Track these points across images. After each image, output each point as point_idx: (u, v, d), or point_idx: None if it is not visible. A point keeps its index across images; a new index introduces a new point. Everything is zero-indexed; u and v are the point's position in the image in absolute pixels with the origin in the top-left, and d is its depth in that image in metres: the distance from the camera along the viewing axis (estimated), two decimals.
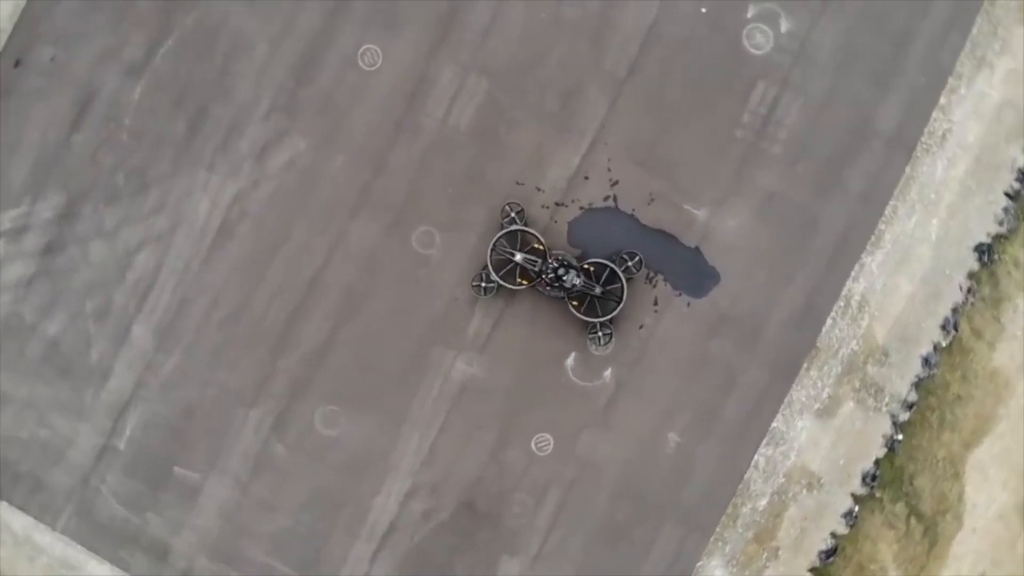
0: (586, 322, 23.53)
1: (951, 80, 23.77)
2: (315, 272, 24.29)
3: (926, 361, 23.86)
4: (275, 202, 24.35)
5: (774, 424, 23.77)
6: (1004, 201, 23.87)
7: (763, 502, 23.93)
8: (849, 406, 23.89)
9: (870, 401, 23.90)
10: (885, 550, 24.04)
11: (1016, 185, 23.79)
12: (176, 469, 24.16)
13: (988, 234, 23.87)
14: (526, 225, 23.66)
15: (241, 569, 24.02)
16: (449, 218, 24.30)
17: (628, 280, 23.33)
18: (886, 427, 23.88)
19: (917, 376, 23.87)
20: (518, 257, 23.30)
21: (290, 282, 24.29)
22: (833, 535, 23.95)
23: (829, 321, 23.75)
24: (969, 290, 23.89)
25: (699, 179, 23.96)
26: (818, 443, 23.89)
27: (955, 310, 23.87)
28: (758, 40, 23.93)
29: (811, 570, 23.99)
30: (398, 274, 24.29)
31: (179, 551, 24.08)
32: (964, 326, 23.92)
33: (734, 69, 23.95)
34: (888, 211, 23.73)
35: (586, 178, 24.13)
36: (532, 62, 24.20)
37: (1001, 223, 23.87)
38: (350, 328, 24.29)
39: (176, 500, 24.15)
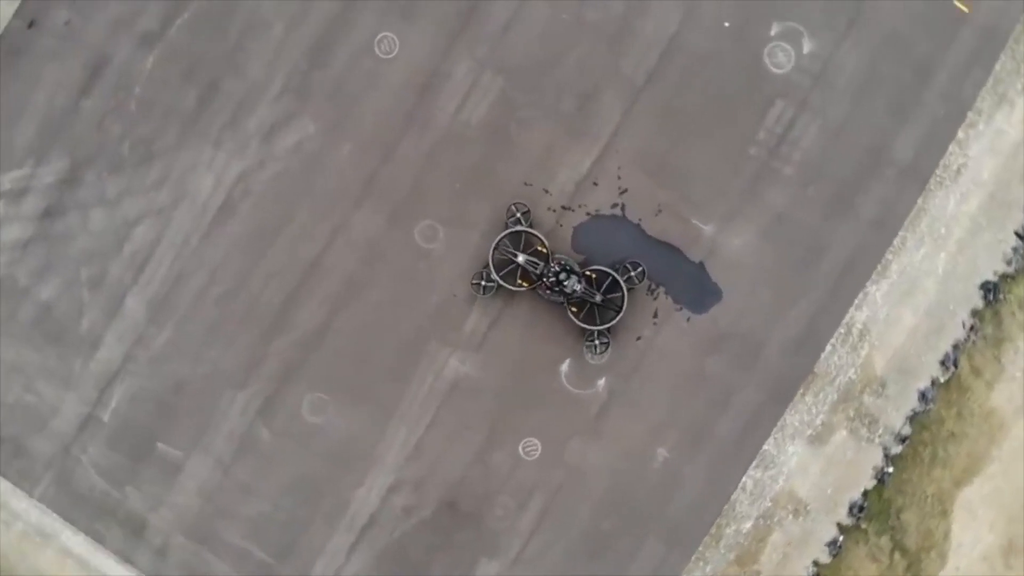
0: (584, 329, 23.29)
1: (970, 114, 23.55)
2: (315, 257, 24.06)
3: (923, 396, 23.62)
4: (280, 183, 24.13)
5: (765, 447, 23.54)
6: (1014, 240, 23.64)
7: (748, 525, 23.70)
8: (842, 435, 23.65)
9: (863, 431, 23.66)
10: None
11: None
12: (159, 445, 23.94)
13: (995, 272, 23.64)
14: (531, 226, 23.40)
15: (217, 551, 23.79)
16: (454, 214, 24.07)
17: (629, 290, 23.09)
18: (877, 459, 23.65)
19: (913, 410, 23.65)
20: (520, 258, 23.07)
21: (289, 265, 24.06)
22: (815, 563, 23.70)
23: (829, 347, 23.52)
24: (972, 328, 23.66)
25: (709, 194, 23.72)
26: (808, 469, 23.65)
27: (956, 346, 23.64)
28: (779, 59, 23.68)
29: None
30: (398, 266, 24.06)
31: (156, 528, 23.85)
32: (964, 363, 23.68)
33: (753, 86, 23.71)
34: (897, 241, 23.50)
35: (595, 184, 23.89)
36: (550, 62, 23.97)
37: (1009, 262, 23.63)
38: (346, 316, 24.06)
39: (157, 476, 23.93)
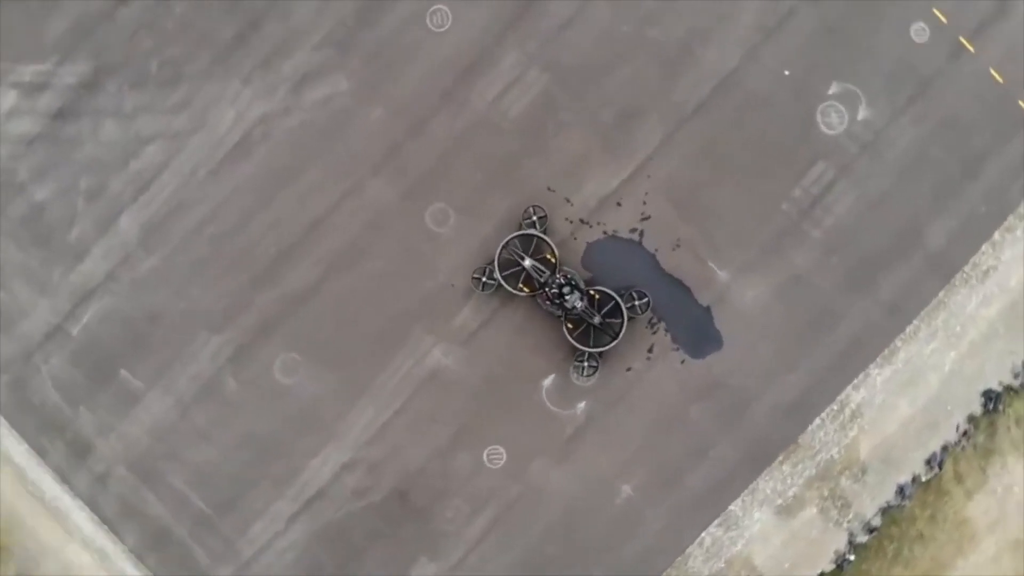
0: (576, 348, 22.63)
1: (1011, 218, 22.95)
2: (320, 216, 23.38)
3: (901, 490, 23.00)
4: (300, 134, 23.41)
5: (732, 507, 22.87)
6: None
7: None
8: (811, 512, 22.99)
9: (833, 513, 23.01)
10: None
11: None
12: (122, 372, 23.24)
13: (1001, 383, 23.04)
14: (545, 233, 22.73)
15: (157, 490, 23.11)
16: (469, 202, 23.39)
17: (630, 319, 22.43)
18: (841, 544, 23.01)
19: (887, 502, 23.03)
20: (527, 262, 22.42)
21: (292, 218, 23.37)
22: None
23: (818, 421, 22.89)
24: (965, 433, 23.06)
25: (731, 239, 23.07)
26: (769, 539, 22.98)
27: (945, 448, 23.04)
28: (832, 119, 23.01)
29: None
30: (402, 243, 23.37)
31: (100, 454, 23.16)
32: (949, 467, 23.07)
33: (799, 140, 23.08)
34: (909, 329, 22.89)
35: (619, 204, 23.22)
36: (600, 71, 23.31)
37: (1017, 376, 23.05)
38: (337, 282, 23.36)
39: (112, 403, 23.23)
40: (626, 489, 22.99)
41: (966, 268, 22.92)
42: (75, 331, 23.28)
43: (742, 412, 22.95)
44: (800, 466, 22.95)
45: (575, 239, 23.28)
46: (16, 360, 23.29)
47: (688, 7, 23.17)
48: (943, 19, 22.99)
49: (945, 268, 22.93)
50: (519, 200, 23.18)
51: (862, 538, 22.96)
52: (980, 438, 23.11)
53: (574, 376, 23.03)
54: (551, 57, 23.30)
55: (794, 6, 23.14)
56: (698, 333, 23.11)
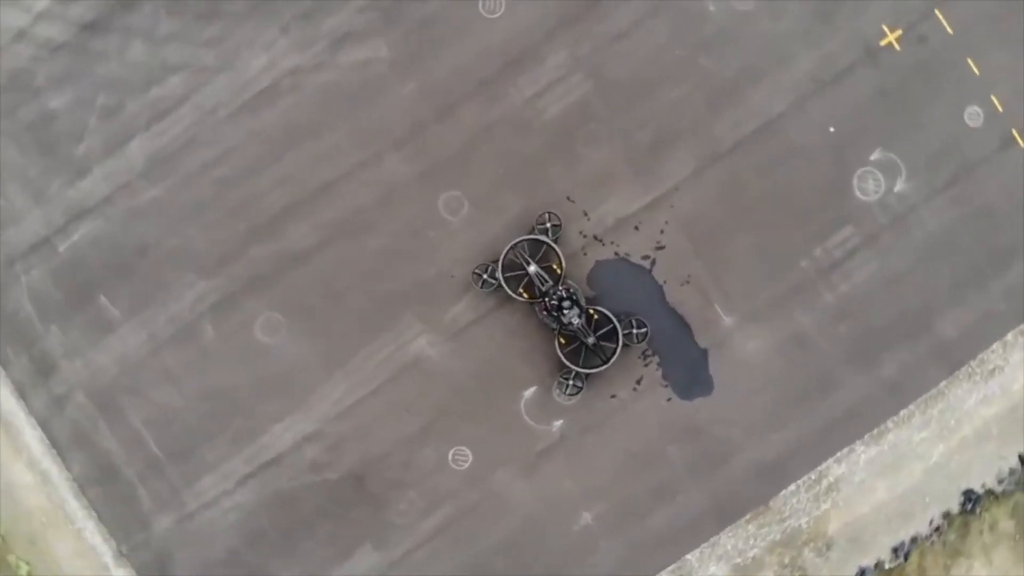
0: (564, 364, 22.04)
1: None
2: (332, 179, 22.72)
3: (862, 573, 22.47)
4: (329, 93, 22.76)
5: (689, 555, 22.30)
6: (1015, 463, 22.54)
7: None
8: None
9: None
10: None
11: None
12: (102, 298, 22.58)
13: (984, 485, 22.50)
14: (556, 242, 22.14)
15: (111, 424, 22.48)
16: (485, 196, 22.76)
17: (624, 346, 21.85)
18: None
19: None
20: (532, 268, 21.84)
21: (303, 177, 22.72)
22: None
23: (793, 486, 22.31)
24: (937, 529, 22.53)
25: (742, 286, 22.50)
26: None
27: (914, 540, 22.50)
28: (869, 185, 22.42)
29: None
30: (409, 224, 22.74)
31: (63, 376, 22.53)
32: (914, 559, 22.52)
33: (831, 200, 22.53)
34: (904, 413, 22.33)
35: (636, 228, 22.62)
36: (645, 89, 22.70)
37: (1001, 481, 22.52)
38: (336, 250, 22.73)
39: (86, 327, 22.58)
40: (587, 516, 22.42)
41: (972, 363, 22.37)
42: (62, 248, 22.61)
43: (719, 462, 22.37)
44: (766, 529, 22.37)
45: (585, 254, 22.69)
46: None
47: (748, 43, 22.58)
48: (1000, 107, 22.44)
49: (951, 359, 22.38)
50: (536, 204, 22.59)
51: None
52: (951, 537, 22.57)
53: (557, 392, 22.45)
54: (598, 65, 22.68)
55: (854, 64, 22.58)
56: (690, 374, 22.53)
